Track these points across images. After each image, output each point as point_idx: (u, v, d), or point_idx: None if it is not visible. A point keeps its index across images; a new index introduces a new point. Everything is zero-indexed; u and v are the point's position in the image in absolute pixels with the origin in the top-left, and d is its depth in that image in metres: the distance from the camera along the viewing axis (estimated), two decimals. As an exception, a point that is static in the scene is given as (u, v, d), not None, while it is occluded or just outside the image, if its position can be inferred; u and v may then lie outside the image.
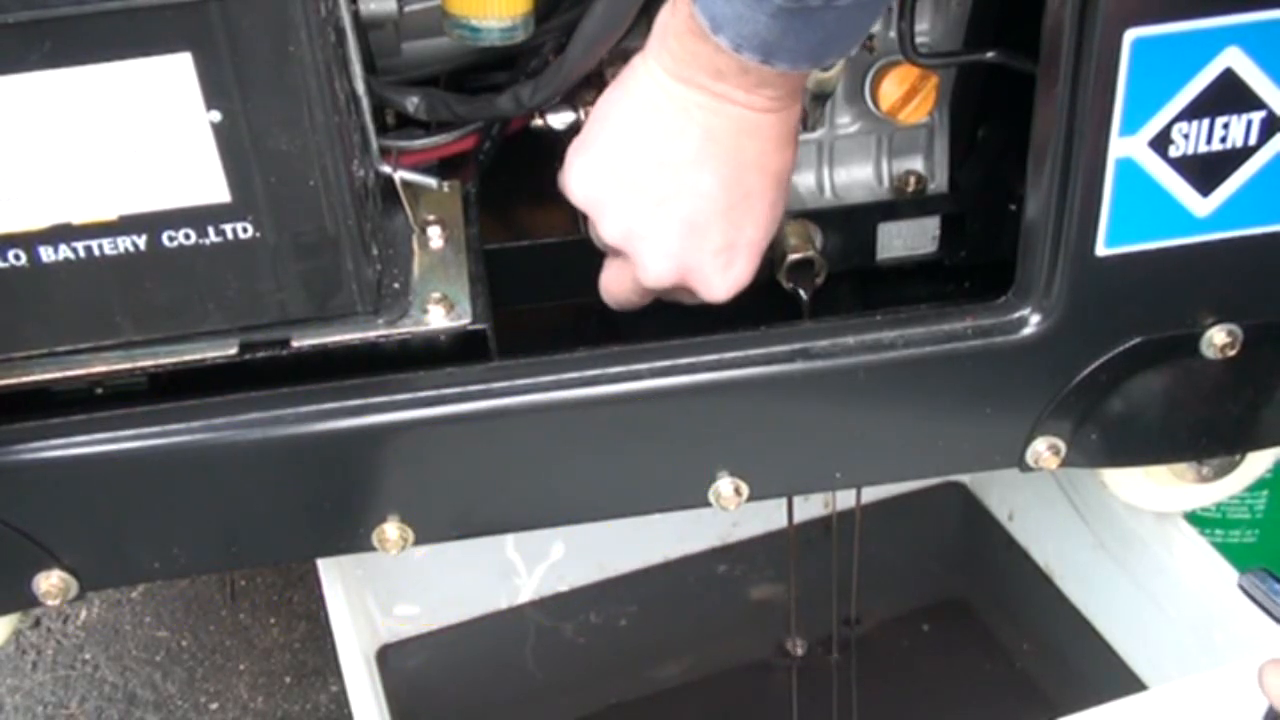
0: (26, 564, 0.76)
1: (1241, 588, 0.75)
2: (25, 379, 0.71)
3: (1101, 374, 0.80)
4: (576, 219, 0.80)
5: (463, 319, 0.75)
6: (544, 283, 0.86)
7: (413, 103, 0.77)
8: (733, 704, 1.20)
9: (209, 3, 0.60)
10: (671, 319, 0.81)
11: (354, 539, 0.79)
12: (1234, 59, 0.70)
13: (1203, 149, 0.73)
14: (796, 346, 0.78)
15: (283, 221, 0.67)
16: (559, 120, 0.79)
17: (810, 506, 1.16)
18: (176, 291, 0.69)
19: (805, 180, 0.89)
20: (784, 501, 1.06)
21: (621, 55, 0.75)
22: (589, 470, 0.80)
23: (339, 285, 0.71)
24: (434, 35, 0.79)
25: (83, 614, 1.54)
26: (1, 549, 0.75)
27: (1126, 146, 0.72)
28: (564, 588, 1.26)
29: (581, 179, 0.74)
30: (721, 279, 0.75)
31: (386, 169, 0.77)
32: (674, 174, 0.71)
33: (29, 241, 0.66)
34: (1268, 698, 0.67)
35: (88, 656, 1.49)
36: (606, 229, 0.75)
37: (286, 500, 0.78)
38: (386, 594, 1.20)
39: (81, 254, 0.66)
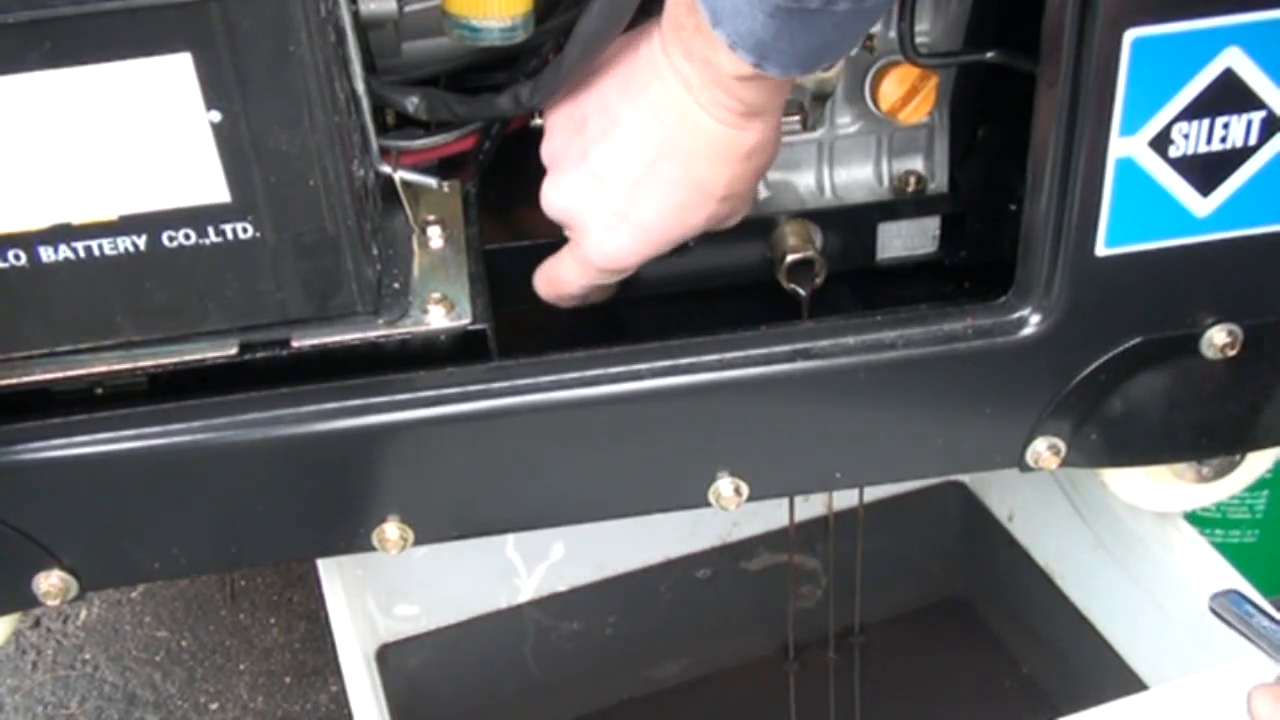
0: (26, 564, 0.76)
1: (1213, 610, 0.74)
2: (25, 379, 0.71)
3: (1101, 374, 0.79)
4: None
5: (463, 319, 0.75)
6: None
7: (413, 103, 0.77)
8: (732, 704, 1.20)
9: (209, 3, 0.60)
10: (671, 319, 0.81)
11: (354, 539, 0.79)
12: (1234, 59, 0.70)
13: (1203, 149, 0.73)
14: (796, 346, 0.78)
15: (283, 221, 0.67)
16: (559, 120, 0.79)
17: (810, 506, 1.16)
18: (176, 291, 0.69)
19: (805, 180, 0.89)
20: (784, 501, 1.06)
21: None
22: (589, 470, 0.80)
23: (339, 285, 0.71)
24: (434, 35, 0.78)
25: (83, 614, 1.54)
26: (1, 549, 0.75)
27: (1126, 146, 0.72)
28: (564, 588, 1.26)
29: (555, 105, 0.76)
30: (599, 239, 0.75)
31: (386, 169, 0.77)
32: (610, 123, 0.73)
33: (29, 241, 0.66)
34: None
35: (88, 656, 1.49)
36: (543, 147, 0.77)
37: (286, 500, 0.78)
38: (386, 594, 1.20)
39: (81, 254, 0.66)
